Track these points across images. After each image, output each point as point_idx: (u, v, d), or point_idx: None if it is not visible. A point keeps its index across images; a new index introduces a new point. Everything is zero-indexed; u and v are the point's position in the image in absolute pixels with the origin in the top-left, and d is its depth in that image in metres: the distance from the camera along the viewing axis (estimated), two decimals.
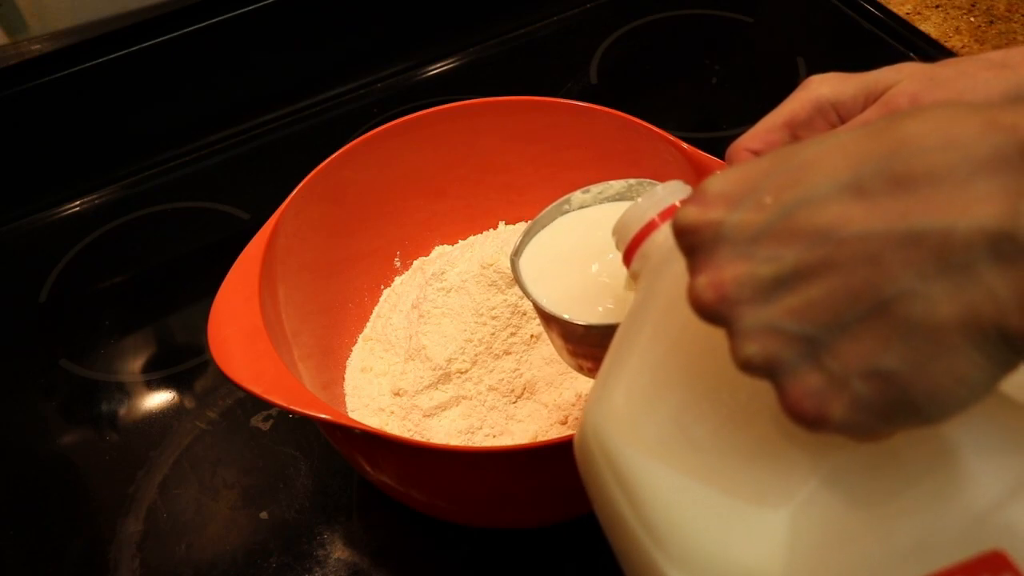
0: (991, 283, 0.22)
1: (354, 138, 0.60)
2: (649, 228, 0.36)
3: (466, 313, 0.57)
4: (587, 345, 0.44)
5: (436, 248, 0.68)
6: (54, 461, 0.62)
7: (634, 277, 0.36)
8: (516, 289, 0.57)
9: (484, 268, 0.57)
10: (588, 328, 0.42)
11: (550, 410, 0.56)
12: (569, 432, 0.54)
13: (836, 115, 0.39)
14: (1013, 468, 0.26)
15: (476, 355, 0.57)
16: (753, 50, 0.90)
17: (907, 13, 0.87)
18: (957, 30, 0.84)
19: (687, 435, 0.30)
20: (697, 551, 0.29)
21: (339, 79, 0.88)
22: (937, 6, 0.88)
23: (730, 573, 0.29)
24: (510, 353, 0.57)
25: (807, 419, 0.25)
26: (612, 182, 0.47)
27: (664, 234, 0.35)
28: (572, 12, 0.94)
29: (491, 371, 0.57)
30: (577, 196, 0.48)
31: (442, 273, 0.59)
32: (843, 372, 0.24)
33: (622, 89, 0.86)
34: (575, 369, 0.47)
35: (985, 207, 0.22)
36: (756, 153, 0.39)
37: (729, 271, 0.26)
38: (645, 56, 0.89)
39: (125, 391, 0.65)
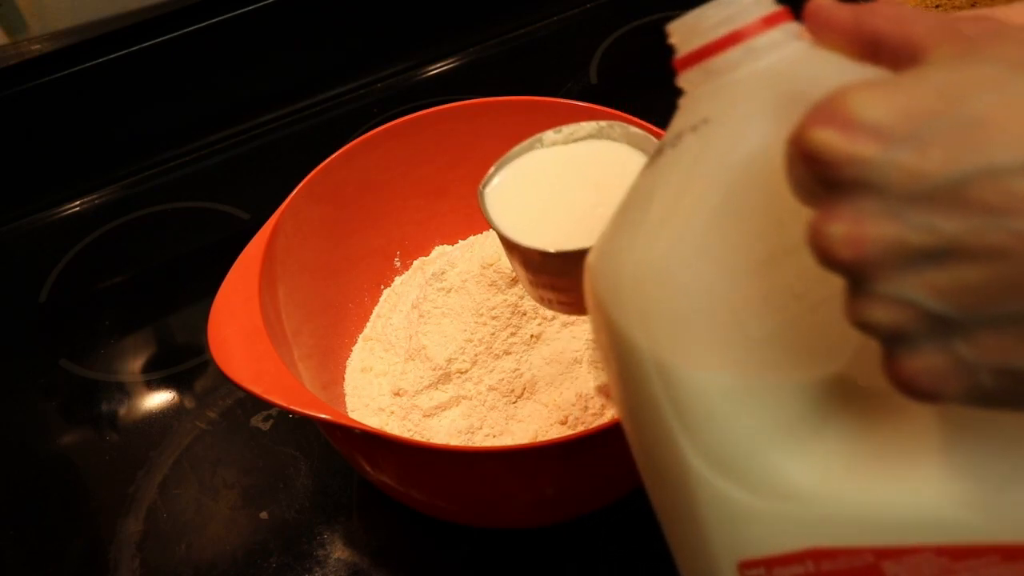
0: None
1: (354, 138, 0.60)
2: (728, 41, 0.28)
3: (466, 313, 0.57)
4: (546, 274, 0.43)
5: (436, 248, 0.68)
6: (54, 461, 0.62)
7: (685, 88, 0.30)
8: (516, 289, 0.57)
9: (484, 268, 0.57)
10: (545, 255, 0.42)
11: (550, 410, 0.56)
12: (569, 432, 0.54)
13: None
14: None
15: (476, 355, 0.57)
16: None
17: None
18: None
19: (738, 319, 0.27)
20: (729, 443, 0.27)
21: (339, 79, 0.88)
22: (937, 6, 0.88)
23: (761, 474, 0.27)
24: (510, 353, 0.57)
25: (916, 393, 0.24)
26: (583, 123, 0.47)
27: (739, 55, 0.28)
28: (572, 12, 0.94)
29: (491, 371, 0.57)
30: (549, 135, 0.48)
31: (442, 273, 0.59)
32: (974, 362, 0.23)
33: (622, 89, 0.86)
34: (537, 302, 0.47)
35: None
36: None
37: (873, 228, 0.22)
38: (645, 56, 0.89)
39: (125, 391, 0.65)
